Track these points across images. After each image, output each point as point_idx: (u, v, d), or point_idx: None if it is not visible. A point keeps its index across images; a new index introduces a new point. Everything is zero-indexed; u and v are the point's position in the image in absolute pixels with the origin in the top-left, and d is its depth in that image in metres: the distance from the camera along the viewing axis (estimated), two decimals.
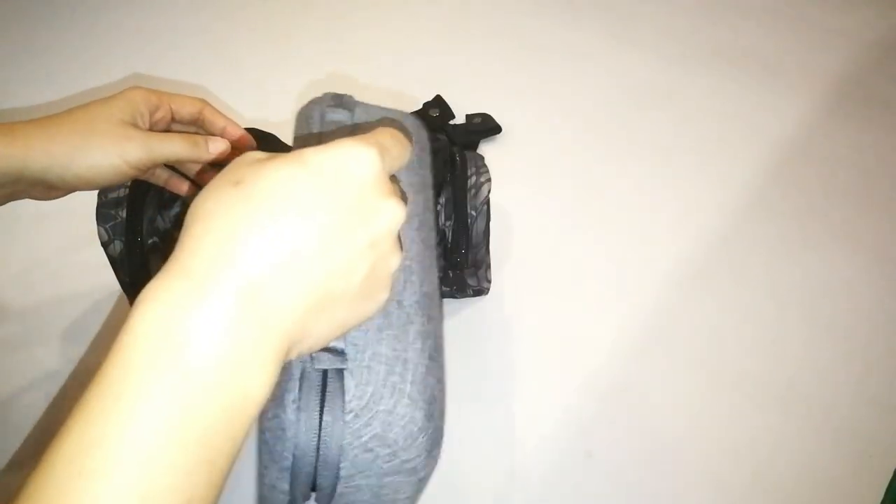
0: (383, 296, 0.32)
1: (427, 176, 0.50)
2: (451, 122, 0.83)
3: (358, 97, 0.49)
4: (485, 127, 0.82)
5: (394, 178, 0.33)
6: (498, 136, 0.82)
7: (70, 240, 0.70)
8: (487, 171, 0.59)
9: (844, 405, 0.59)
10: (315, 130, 0.45)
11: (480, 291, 0.65)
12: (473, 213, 0.58)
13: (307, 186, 0.28)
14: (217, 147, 0.51)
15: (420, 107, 0.83)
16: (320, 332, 0.29)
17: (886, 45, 0.97)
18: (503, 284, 0.67)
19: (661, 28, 1.00)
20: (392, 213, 0.30)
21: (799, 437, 0.57)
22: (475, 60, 0.94)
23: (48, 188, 0.47)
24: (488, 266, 0.62)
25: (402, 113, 0.50)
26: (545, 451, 0.55)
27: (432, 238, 0.47)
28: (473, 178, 0.59)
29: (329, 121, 0.46)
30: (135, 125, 0.47)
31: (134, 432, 0.23)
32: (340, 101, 0.48)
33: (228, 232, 0.26)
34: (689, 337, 0.63)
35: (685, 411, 0.58)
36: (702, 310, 0.65)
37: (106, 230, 0.55)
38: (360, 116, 0.47)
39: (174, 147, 0.48)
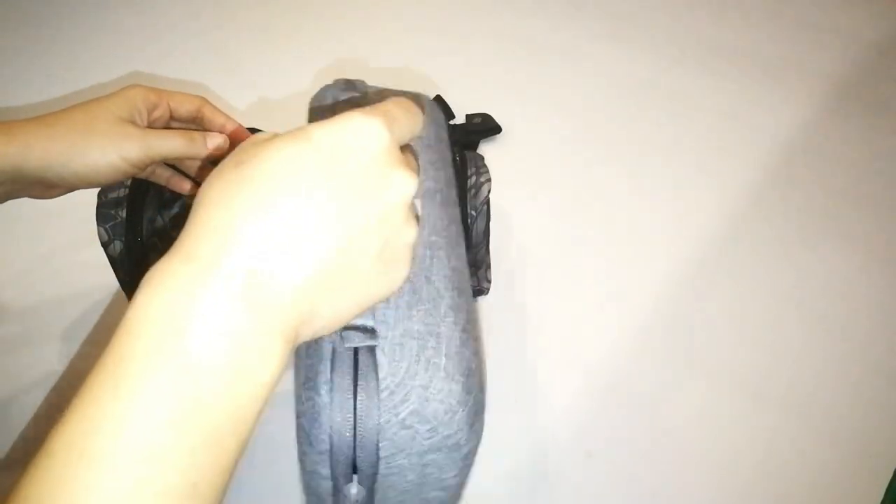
0: (402, 271, 0.30)
1: (446, 152, 0.49)
2: (451, 122, 0.82)
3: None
4: (485, 127, 0.82)
5: (406, 149, 0.31)
6: (498, 136, 0.82)
7: (70, 240, 0.70)
8: (487, 171, 0.59)
9: (844, 405, 0.59)
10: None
11: (480, 291, 0.64)
12: (473, 213, 0.58)
13: (310, 163, 0.27)
14: (215, 142, 0.51)
15: None
16: (332, 311, 0.28)
17: (886, 45, 0.97)
18: (503, 284, 0.66)
19: (661, 28, 1.00)
20: (402, 185, 0.29)
21: (799, 437, 0.56)
22: (475, 60, 0.94)
23: (47, 187, 0.47)
24: (488, 266, 0.62)
25: (416, 94, 0.50)
26: (545, 451, 0.55)
27: (457, 213, 0.46)
28: (473, 178, 0.59)
29: (342, 101, 0.46)
30: (133, 123, 0.47)
31: (136, 416, 0.23)
32: (353, 85, 0.48)
33: (231, 215, 0.26)
34: (689, 337, 0.63)
35: (685, 411, 0.58)
36: (702, 310, 0.65)
37: (106, 230, 0.55)
38: (372, 99, 0.47)
39: (172, 144, 0.48)
